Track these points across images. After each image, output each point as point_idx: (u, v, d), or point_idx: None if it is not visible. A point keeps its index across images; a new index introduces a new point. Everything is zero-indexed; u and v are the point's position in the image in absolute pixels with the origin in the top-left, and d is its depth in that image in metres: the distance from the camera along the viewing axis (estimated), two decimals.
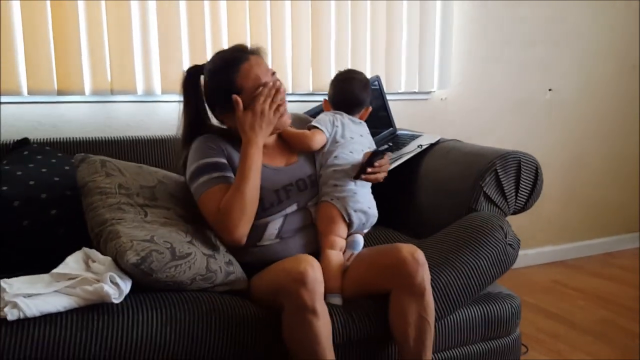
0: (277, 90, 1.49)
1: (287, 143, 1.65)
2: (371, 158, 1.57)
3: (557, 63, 2.99)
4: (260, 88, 1.48)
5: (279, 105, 1.50)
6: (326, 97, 1.83)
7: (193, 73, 1.58)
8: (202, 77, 1.57)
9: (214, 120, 1.62)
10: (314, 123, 1.66)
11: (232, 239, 1.44)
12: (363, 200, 1.62)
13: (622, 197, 3.32)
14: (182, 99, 1.59)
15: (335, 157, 1.63)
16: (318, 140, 1.63)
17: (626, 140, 3.28)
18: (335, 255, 1.54)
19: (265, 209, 1.52)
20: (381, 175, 1.63)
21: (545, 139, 3.01)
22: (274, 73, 1.54)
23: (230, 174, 1.49)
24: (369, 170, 1.57)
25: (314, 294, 1.27)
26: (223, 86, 1.50)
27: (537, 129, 2.99)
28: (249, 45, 1.56)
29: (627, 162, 3.31)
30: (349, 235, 1.61)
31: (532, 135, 2.94)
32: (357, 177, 1.59)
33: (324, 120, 1.66)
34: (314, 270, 1.28)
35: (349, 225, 1.60)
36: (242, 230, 1.44)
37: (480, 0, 2.74)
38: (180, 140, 1.61)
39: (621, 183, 3.31)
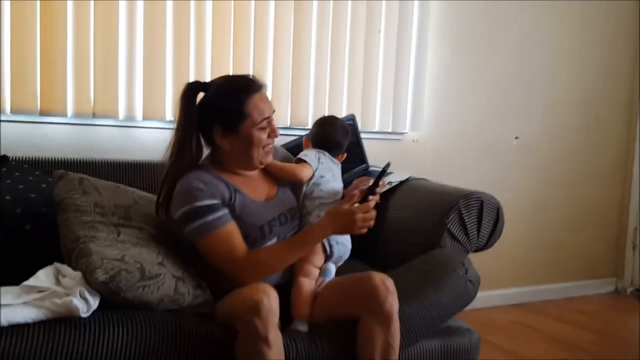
0: (274, 132, 1.60)
1: (267, 176, 1.71)
2: (380, 175, 1.59)
3: (522, 110, 3.14)
4: (363, 185, 1.67)
5: (267, 144, 1.60)
6: (306, 136, 1.93)
7: (194, 88, 1.58)
8: (199, 95, 1.58)
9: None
10: (302, 157, 1.76)
11: (241, 283, 1.45)
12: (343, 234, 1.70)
13: (583, 244, 3.44)
14: (177, 114, 1.57)
15: (320, 190, 1.73)
16: (306, 173, 1.73)
17: (588, 189, 3.42)
18: (308, 284, 1.60)
19: (248, 244, 1.54)
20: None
21: (512, 183, 3.13)
22: (274, 111, 1.61)
23: (224, 212, 1.51)
24: (377, 189, 1.59)
25: (267, 323, 1.29)
26: (232, 106, 1.55)
27: (504, 173, 3.11)
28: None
29: (589, 211, 3.44)
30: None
31: (499, 179, 3.06)
32: (364, 199, 1.57)
33: (311, 155, 1.77)
34: (269, 299, 1.31)
35: (328, 256, 1.67)
36: (255, 281, 1.46)
37: (452, 48, 2.89)
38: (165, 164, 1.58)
39: (583, 230, 3.43)
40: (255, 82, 1.59)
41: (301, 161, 1.76)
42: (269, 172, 1.71)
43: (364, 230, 1.54)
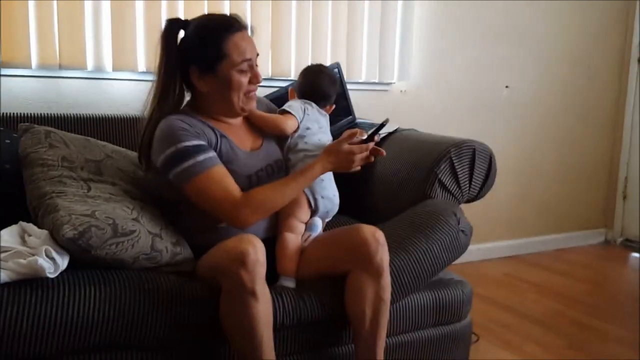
0: (257, 77, 1.48)
1: (251, 126, 1.61)
2: (377, 129, 1.51)
3: (513, 62, 3.04)
4: (356, 137, 1.50)
5: (249, 91, 1.48)
6: (291, 86, 1.82)
7: (175, 25, 1.47)
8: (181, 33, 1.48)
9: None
10: (286, 108, 1.66)
11: (240, 226, 1.41)
12: (330, 188, 1.62)
13: (573, 195, 3.40)
14: (158, 55, 1.46)
15: (306, 142, 1.63)
16: (290, 124, 1.63)
17: (579, 140, 3.37)
18: (293, 238, 1.52)
19: None
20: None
21: (502, 135, 3.05)
22: (257, 55, 1.50)
23: (213, 153, 1.42)
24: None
25: (254, 275, 1.22)
26: (210, 45, 1.43)
27: (493, 125, 3.03)
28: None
29: (579, 162, 3.39)
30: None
31: (488, 131, 2.97)
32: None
33: (296, 106, 1.67)
34: (255, 250, 1.23)
35: (314, 211, 1.59)
36: (254, 222, 1.43)
37: None
38: (145, 115, 1.48)
39: (574, 181, 3.39)
40: (238, 22, 1.48)
41: (285, 112, 1.65)
42: (252, 123, 1.61)
43: (359, 168, 1.52)
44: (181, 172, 1.38)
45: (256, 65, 1.49)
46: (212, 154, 1.42)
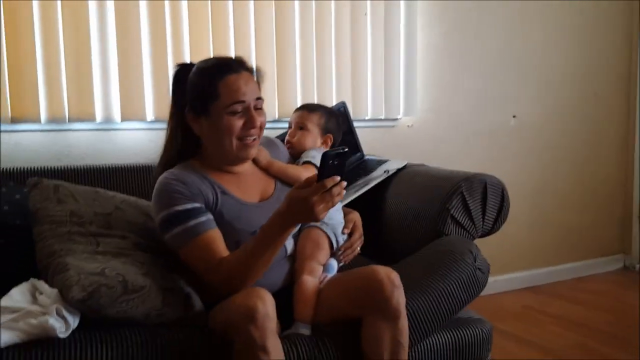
0: (252, 120, 1.40)
1: (265, 173, 1.56)
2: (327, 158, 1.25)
3: (519, 91, 3.04)
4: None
5: (245, 136, 1.42)
6: None
7: (182, 69, 1.47)
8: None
9: None
10: (308, 159, 1.64)
11: (225, 292, 1.34)
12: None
13: (589, 222, 3.35)
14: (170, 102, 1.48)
15: None
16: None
17: (591, 166, 3.33)
18: (311, 282, 1.49)
19: None
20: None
21: (512, 164, 3.03)
22: (259, 98, 1.44)
23: (207, 216, 1.38)
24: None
25: (264, 330, 1.19)
26: (204, 85, 1.40)
27: (503, 155, 3.01)
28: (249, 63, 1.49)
29: (593, 187, 3.35)
30: None
31: (498, 161, 2.96)
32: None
33: (316, 157, 1.66)
34: (264, 304, 1.20)
35: (334, 253, 1.58)
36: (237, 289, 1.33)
37: (442, 29, 2.78)
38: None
39: (588, 208, 3.34)
40: (238, 63, 1.44)
41: (308, 163, 1.64)
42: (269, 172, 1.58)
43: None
44: (172, 238, 1.37)
45: (257, 109, 1.43)
46: (204, 218, 1.37)
